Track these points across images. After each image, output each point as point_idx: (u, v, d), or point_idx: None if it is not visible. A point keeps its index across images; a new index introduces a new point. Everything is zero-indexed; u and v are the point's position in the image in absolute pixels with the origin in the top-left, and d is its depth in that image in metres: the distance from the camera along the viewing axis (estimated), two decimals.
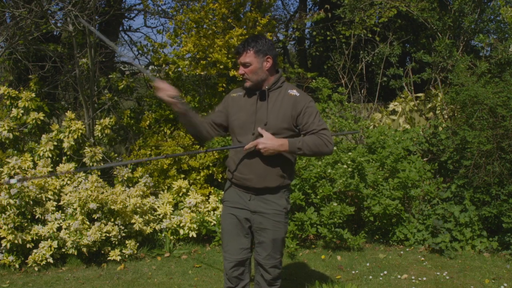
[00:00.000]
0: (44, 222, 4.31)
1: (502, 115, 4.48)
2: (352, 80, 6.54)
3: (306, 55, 11.33)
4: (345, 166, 4.74)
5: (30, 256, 4.16)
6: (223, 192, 2.89)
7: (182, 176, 5.24)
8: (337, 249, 4.71)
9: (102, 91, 6.11)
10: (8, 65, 6.51)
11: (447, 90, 5.60)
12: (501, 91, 4.55)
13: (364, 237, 4.73)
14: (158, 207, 4.88)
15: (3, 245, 4.09)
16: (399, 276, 4.06)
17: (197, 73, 5.40)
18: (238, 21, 5.44)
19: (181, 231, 4.78)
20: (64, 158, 4.93)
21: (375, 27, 6.41)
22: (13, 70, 6.64)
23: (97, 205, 4.33)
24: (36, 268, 4.16)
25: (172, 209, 4.92)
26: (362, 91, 6.68)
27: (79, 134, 4.90)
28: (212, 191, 5.18)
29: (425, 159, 5.33)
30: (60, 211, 4.40)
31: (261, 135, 2.58)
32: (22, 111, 5.06)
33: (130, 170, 5.07)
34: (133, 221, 4.52)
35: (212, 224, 4.80)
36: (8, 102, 5.16)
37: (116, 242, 4.46)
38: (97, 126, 5.19)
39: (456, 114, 5.44)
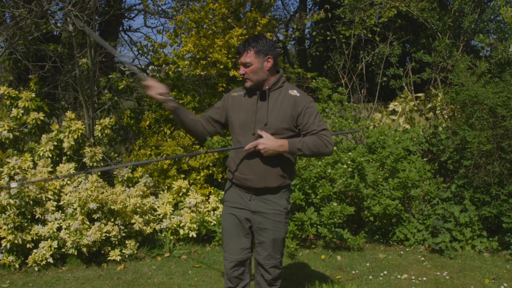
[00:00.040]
0: (44, 222, 4.31)
1: (502, 115, 4.48)
2: (352, 80, 6.53)
3: (306, 55, 11.33)
4: (345, 166, 4.74)
5: (30, 256, 4.16)
6: (223, 192, 2.90)
7: (182, 176, 5.24)
8: (337, 249, 4.71)
9: (102, 91, 6.11)
10: (8, 65, 6.51)
11: (447, 90, 5.60)
12: (501, 91, 4.55)
13: (364, 237, 4.73)
14: (158, 207, 4.88)
15: (3, 245, 4.09)
16: (399, 276, 4.06)
17: (197, 73, 5.41)
18: (238, 21, 5.45)
19: (181, 231, 4.78)
20: (64, 158, 4.93)
21: (375, 27, 6.41)
22: (13, 70, 6.64)
23: (97, 205, 4.33)
24: (36, 268, 4.16)
25: (172, 209, 4.92)
26: (362, 91, 6.68)
27: (79, 134, 4.90)
28: (212, 191, 5.18)
29: (425, 159, 5.33)
30: (60, 211, 4.40)
31: (261, 136, 2.58)
32: (22, 111, 5.06)
33: (130, 170, 5.07)
34: (133, 221, 4.52)
35: (212, 224, 4.80)
36: (8, 102, 5.16)
37: (116, 242, 4.46)
38: (97, 126, 5.19)
39: (456, 114, 5.44)
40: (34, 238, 4.18)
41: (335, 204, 4.61)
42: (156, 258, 4.56)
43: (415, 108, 6.10)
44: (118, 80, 6.19)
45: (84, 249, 4.24)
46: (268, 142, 2.55)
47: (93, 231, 4.23)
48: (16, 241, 4.07)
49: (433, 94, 5.96)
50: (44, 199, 4.37)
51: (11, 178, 4.30)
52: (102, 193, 4.43)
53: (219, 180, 5.35)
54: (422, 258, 4.46)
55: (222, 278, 3.97)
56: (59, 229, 4.30)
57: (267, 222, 2.70)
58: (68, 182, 4.62)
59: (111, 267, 4.32)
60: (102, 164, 5.02)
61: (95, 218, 4.41)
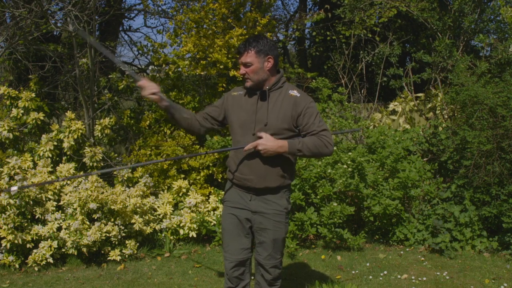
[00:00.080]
0: (44, 222, 4.31)
1: (502, 115, 4.48)
2: (352, 80, 6.53)
3: (306, 55, 11.34)
4: (345, 166, 4.74)
5: (30, 256, 4.16)
6: (223, 192, 2.90)
7: (182, 176, 5.24)
8: (337, 249, 4.71)
9: (102, 91, 6.11)
10: (8, 65, 6.50)
11: (447, 90, 5.60)
12: (501, 91, 4.55)
13: (364, 237, 4.73)
14: (158, 207, 4.88)
15: (3, 245, 4.09)
16: (399, 276, 4.06)
17: (197, 73, 5.40)
18: (238, 21, 5.44)
19: (181, 231, 4.78)
20: (64, 158, 4.93)
21: (375, 27, 6.41)
22: (13, 70, 6.63)
23: (97, 205, 4.33)
24: (36, 268, 4.15)
25: (172, 209, 4.92)
26: (362, 91, 6.68)
27: (79, 134, 4.90)
28: (212, 191, 5.18)
29: (425, 159, 5.33)
30: (60, 211, 4.40)
31: (261, 137, 2.58)
32: (22, 111, 5.06)
33: (130, 170, 5.07)
34: (133, 221, 4.52)
35: (212, 224, 4.80)
36: (8, 102, 5.16)
37: (116, 242, 4.46)
38: (97, 126, 5.19)
39: (456, 114, 5.44)
40: (34, 238, 4.18)
41: (335, 204, 4.61)
42: (156, 258, 4.56)
43: (415, 108, 6.10)
44: (118, 80, 6.18)
45: (84, 249, 4.24)
46: (267, 143, 2.55)
47: (93, 231, 4.23)
48: (16, 241, 4.07)
49: (433, 94, 5.96)
50: (44, 199, 4.37)
51: (11, 178, 4.30)
52: (102, 193, 4.43)
53: (219, 180, 5.35)
54: (422, 258, 4.46)
55: (222, 278, 3.96)
56: (59, 229, 4.30)
57: (268, 222, 2.70)
58: (68, 182, 4.62)
59: (111, 267, 4.32)
60: (102, 164, 5.02)
61: (95, 218, 4.41)
